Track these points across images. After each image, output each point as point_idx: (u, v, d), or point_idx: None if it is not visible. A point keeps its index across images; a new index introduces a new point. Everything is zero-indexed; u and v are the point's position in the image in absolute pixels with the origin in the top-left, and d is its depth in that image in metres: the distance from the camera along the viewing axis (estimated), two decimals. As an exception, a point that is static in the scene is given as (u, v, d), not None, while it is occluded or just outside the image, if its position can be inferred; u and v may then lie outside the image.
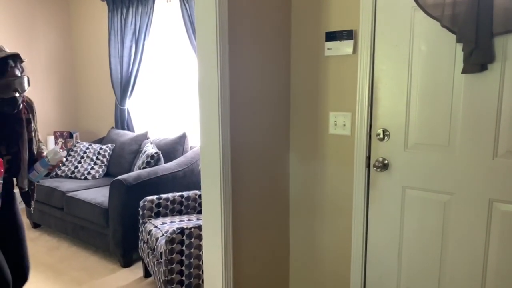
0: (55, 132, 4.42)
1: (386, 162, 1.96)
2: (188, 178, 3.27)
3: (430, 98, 1.82)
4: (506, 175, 1.68)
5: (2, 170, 1.71)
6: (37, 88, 4.53)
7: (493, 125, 1.69)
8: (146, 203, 2.78)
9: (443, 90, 1.79)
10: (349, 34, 1.96)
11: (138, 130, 4.23)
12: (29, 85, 1.84)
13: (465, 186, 1.78)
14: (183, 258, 2.38)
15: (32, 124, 1.97)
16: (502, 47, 1.64)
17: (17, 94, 1.75)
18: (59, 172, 3.86)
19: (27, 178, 1.95)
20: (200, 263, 2.44)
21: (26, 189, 1.99)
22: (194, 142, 3.71)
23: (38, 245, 3.46)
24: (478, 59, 1.65)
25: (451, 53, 1.74)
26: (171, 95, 3.92)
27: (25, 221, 3.99)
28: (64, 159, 1.88)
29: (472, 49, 1.64)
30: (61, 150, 1.84)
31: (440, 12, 1.71)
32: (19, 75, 1.79)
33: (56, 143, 1.83)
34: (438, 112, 1.81)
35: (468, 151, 1.76)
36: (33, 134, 1.96)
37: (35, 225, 3.86)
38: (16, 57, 1.77)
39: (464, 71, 1.69)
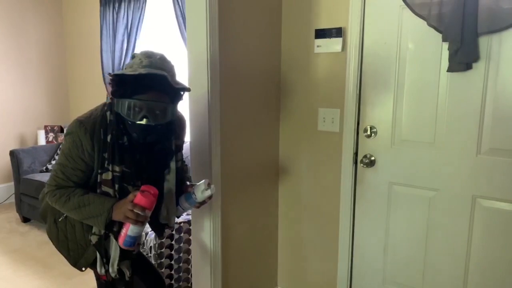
0: (45, 126, 4.40)
1: (373, 158, 1.99)
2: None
3: (417, 96, 1.85)
4: (489, 172, 1.72)
5: (155, 202, 1.39)
6: (27, 82, 4.50)
7: (476, 123, 1.72)
8: (136, 197, 2.79)
9: (429, 88, 1.82)
10: (338, 32, 1.99)
11: (130, 125, 4.22)
12: (172, 115, 1.41)
13: (450, 182, 1.82)
14: (173, 252, 2.40)
15: (181, 152, 1.63)
16: (486, 46, 1.67)
17: (147, 122, 1.34)
18: (49, 167, 3.85)
19: (175, 214, 1.60)
20: (190, 257, 2.46)
21: (173, 226, 1.68)
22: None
23: (28, 240, 3.46)
24: (463, 58, 1.68)
25: (437, 52, 1.77)
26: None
27: (14, 215, 3.98)
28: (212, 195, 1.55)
29: (458, 48, 1.67)
30: (209, 186, 1.53)
31: (427, 11, 1.74)
32: (165, 101, 1.37)
33: (200, 182, 1.43)
34: (424, 110, 1.84)
35: (452, 148, 1.79)
36: (181, 163, 1.62)
37: (25, 220, 3.85)
38: (162, 78, 1.32)
39: (450, 69, 1.72)
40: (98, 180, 1.43)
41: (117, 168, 1.42)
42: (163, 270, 2.38)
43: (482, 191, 1.75)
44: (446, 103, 1.78)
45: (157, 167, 1.52)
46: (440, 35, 1.73)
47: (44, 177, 3.57)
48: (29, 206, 3.70)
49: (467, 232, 1.81)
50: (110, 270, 1.53)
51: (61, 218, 1.53)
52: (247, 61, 2.01)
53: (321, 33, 2.04)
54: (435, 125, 1.82)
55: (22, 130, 4.52)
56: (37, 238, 3.50)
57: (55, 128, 4.41)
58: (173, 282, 2.43)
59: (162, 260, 2.37)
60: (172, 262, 2.41)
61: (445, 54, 1.74)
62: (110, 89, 1.40)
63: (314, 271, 2.29)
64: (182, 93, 1.44)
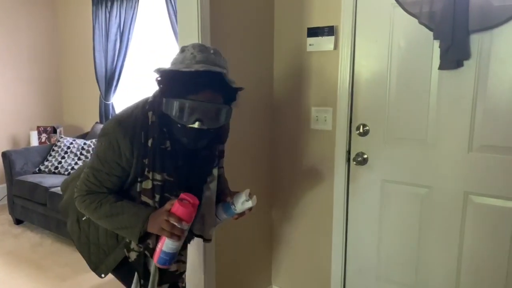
0: (38, 127, 4.37)
1: (365, 156, 2.00)
2: (173, 173, 3.27)
3: (408, 93, 1.86)
4: (481, 169, 1.73)
5: (194, 214, 1.21)
6: (20, 82, 4.46)
7: (468, 120, 1.73)
8: (130, 198, 2.78)
9: (421, 86, 1.82)
10: (330, 30, 1.99)
11: (123, 125, 4.20)
12: (227, 119, 1.25)
13: (442, 179, 1.83)
14: (167, 252, 2.39)
15: (223, 159, 1.48)
16: (477, 44, 1.67)
17: (200, 126, 1.18)
18: (42, 168, 3.83)
19: (213, 225, 1.43)
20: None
21: (211, 239, 1.47)
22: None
23: (21, 242, 3.43)
24: (454, 55, 1.69)
25: (428, 50, 1.78)
26: (156, 90, 3.89)
27: (7, 217, 3.95)
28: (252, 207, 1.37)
29: (449, 46, 1.68)
30: (250, 197, 1.36)
31: (418, 9, 1.74)
32: (219, 101, 1.22)
33: (241, 193, 1.37)
34: (415, 108, 1.85)
35: (444, 145, 1.80)
36: (222, 170, 1.49)
37: (18, 222, 3.82)
38: (219, 76, 1.18)
39: (441, 67, 1.73)
40: (138, 190, 1.27)
41: (158, 176, 1.25)
42: (157, 270, 2.36)
43: (474, 188, 1.76)
44: (437, 101, 1.79)
45: (200, 175, 1.36)
46: (431, 33, 1.73)
47: (37, 179, 3.55)
48: (22, 208, 3.67)
49: (459, 228, 1.82)
50: None
51: (84, 218, 1.41)
52: (239, 60, 2.01)
53: (313, 32, 2.04)
54: (427, 122, 1.83)
55: (14, 131, 4.48)
56: (30, 240, 3.47)
57: (48, 128, 4.38)
58: (167, 282, 2.42)
59: (156, 261, 2.35)
60: (167, 262, 2.39)
61: (437, 52, 1.74)
62: (157, 86, 1.24)
63: (308, 269, 2.30)
64: (236, 93, 1.26)
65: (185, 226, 1.19)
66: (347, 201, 2.09)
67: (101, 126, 4.13)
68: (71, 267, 2.98)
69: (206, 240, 1.44)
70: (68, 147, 3.91)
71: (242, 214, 1.40)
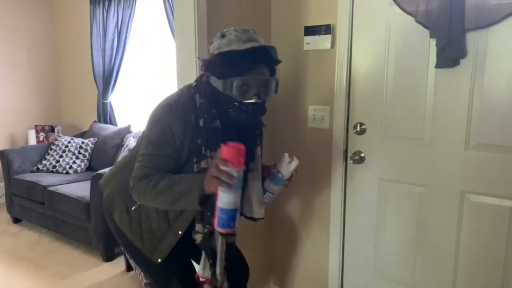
0: (36, 126, 4.37)
1: (362, 155, 2.00)
2: (171, 172, 3.27)
3: (405, 92, 1.86)
4: (477, 167, 1.74)
5: (241, 160, 1.18)
6: (17, 81, 4.45)
7: (464, 118, 1.74)
8: (127, 197, 2.78)
9: (417, 84, 1.82)
10: (327, 29, 1.99)
11: (121, 123, 4.20)
12: (276, 91, 1.34)
13: (438, 178, 1.83)
14: (165, 251, 2.39)
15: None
16: (474, 42, 1.68)
17: (256, 100, 1.26)
18: (40, 167, 3.82)
19: (263, 204, 1.48)
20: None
21: (263, 217, 1.52)
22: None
23: (19, 240, 3.43)
24: (450, 54, 1.69)
25: (425, 48, 1.78)
26: (154, 88, 3.90)
27: (5, 216, 3.95)
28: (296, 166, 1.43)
29: (445, 44, 1.68)
30: (290, 159, 1.41)
31: (414, 8, 1.75)
32: (267, 75, 1.32)
33: (283, 157, 1.46)
34: (412, 106, 1.85)
35: (441, 144, 1.81)
36: (262, 150, 1.53)
37: (16, 220, 3.82)
38: (273, 51, 1.31)
39: (437, 65, 1.73)
40: (195, 170, 1.31)
41: (214, 154, 1.28)
42: (155, 269, 2.37)
43: (471, 186, 1.76)
44: (434, 99, 1.79)
45: (248, 153, 1.35)
46: (428, 32, 1.73)
47: (35, 177, 3.55)
48: (20, 206, 3.67)
49: (456, 226, 1.82)
50: (218, 271, 1.40)
51: (134, 207, 1.44)
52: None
53: (310, 30, 2.04)
54: (423, 121, 1.83)
55: (12, 130, 4.47)
56: (29, 238, 3.47)
57: (46, 127, 4.37)
58: (165, 280, 2.42)
59: (154, 259, 2.36)
60: (164, 260, 2.40)
61: (433, 50, 1.75)
62: (204, 72, 1.31)
63: (306, 267, 2.30)
64: (275, 66, 1.36)
65: (234, 171, 1.16)
66: (345, 199, 2.10)
67: (99, 125, 4.13)
68: (69, 265, 2.98)
69: (259, 219, 1.50)
70: (66, 146, 3.91)
71: (290, 178, 1.46)
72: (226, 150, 1.16)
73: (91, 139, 3.96)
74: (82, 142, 3.93)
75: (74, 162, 3.83)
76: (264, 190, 1.50)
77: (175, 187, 1.26)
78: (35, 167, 3.84)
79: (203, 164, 1.31)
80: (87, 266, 2.98)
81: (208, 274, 1.41)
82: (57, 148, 3.91)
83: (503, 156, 1.67)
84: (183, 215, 1.42)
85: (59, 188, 3.30)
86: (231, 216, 1.20)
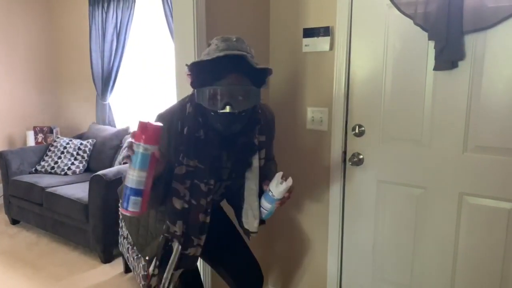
0: (34, 127, 4.36)
1: (361, 157, 2.00)
2: (169, 174, 3.26)
3: (403, 94, 1.86)
4: (475, 169, 1.74)
5: (143, 135, 1.13)
6: (16, 82, 4.45)
7: (463, 120, 1.74)
8: (126, 198, 2.77)
9: (415, 87, 1.83)
10: (326, 31, 1.99)
11: (120, 125, 4.20)
12: (256, 100, 1.30)
13: (437, 180, 1.83)
14: (163, 252, 2.39)
15: (265, 150, 1.48)
16: (472, 45, 1.68)
17: (230, 110, 1.23)
18: (38, 168, 3.82)
19: (257, 217, 1.45)
20: (180, 257, 2.45)
21: (256, 231, 1.48)
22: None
23: (17, 241, 3.42)
24: (448, 56, 1.69)
25: (423, 50, 1.79)
26: (153, 90, 3.90)
27: (3, 217, 3.94)
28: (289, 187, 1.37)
29: (443, 46, 1.68)
30: (283, 179, 1.36)
31: (413, 10, 1.75)
32: (241, 84, 1.26)
33: (274, 177, 1.38)
34: (410, 108, 1.85)
35: (439, 146, 1.81)
36: (264, 162, 1.48)
37: (14, 221, 3.81)
38: (241, 59, 1.24)
39: (436, 68, 1.73)
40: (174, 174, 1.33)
41: (191, 163, 1.32)
42: (153, 270, 2.37)
43: (469, 189, 1.77)
44: (432, 102, 1.80)
45: (238, 164, 1.40)
46: (426, 34, 1.74)
47: (33, 178, 3.54)
48: (18, 207, 3.66)
49: (454, 229, 1.82)
50: (165, 275, 1.40)
51: None
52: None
53: (309, 32, 2.04)
54: (422, 123, 1.84)
55: (11, 131, 4.47)
56: (26, 239, 3.46)
57: (44, 128, 4.37)
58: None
59: (152, 261, 2.35)
60: (162, 262, 2.39)
61: (431, 52, 1.75)
62: (189, 80, 1.29)
63: (304, 269, 2.30)
64: (266, 77, 1.32)
65: (136, 144, 1.13)
66: (343, 201, 2.10)
67: (97, 126, 4.13)
68: (66, 267, 2.97)
69: (251, 233, 1.47)
70: (65, 147, 3.90)
71: (283, 199, 1.39)
72: (138, 125, 1.13)
73: (90, 140, 3.95)
74: (81, 144, 3.93)
75: (72, 164, 3.82)
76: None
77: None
78: (33, 168, 3.84)
79: (178, 170, 1.31)
80: (85, 267, 2.98)
81: (151, 270, 1.41)
82: (56, 150, 3.91)
83: (501, 158, 1.68)
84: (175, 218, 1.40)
85: (57, 190, 3.29)
86: (126, 194, 1.15)
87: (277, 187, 1.36)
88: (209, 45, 1.31)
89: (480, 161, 1.72)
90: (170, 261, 1.39)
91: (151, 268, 1.43)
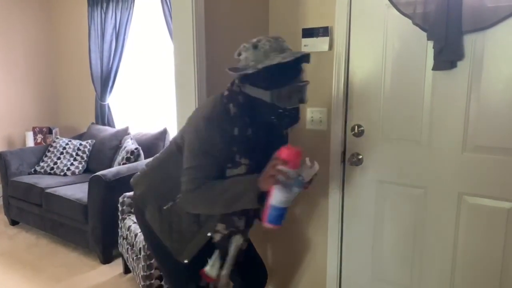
0: (34, 128, 4.36)
1: (360, 157, 2.00)
2: (169, 174, 3.26)
3: (403, 94, 1.86)
4: (475, 169, 1.74)
5: (298, 162, 1.29)
6: (15, 82, 4.44)
7: (462, 120, 1.74)
8: (125, 199, 2.77)
9: (414, 87, 1.83)
10: (325, 31, 1.99)
11: (119, 125, 4.19)
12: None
13: (436, 180, 1.83)
14: (162, 253, 2.39)
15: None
16: (471, 45, 1.68)
17: (298, 105, 1.38)
18: (37, 168, 3.81)
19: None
20: (179, 258, 2.45)
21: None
22: (175, 137, 3.69)
23: (17, 242, 3.42)
24: (447, 56, 1.69)
25: (422, 50, 1.79)
26: (153, 90, 3.90)
27: (2, 218, 3.93)
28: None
29: (442, 46, 1.68)
30: (310, 163, 1.41)
31: (412, 10, 1.75)
32: (305, 80, 1.40)
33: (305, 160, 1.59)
34: (410, 108, 1.85)
35: (438, 146, 1.81)
36: None
37: (13, 222, 3.80)
38: (307, 58, 1.36)
39: (435, 68, 1.74)
40: (227, 175, 1.38)
41: (246, 161, 1.39)
42: (152, 271, 2.36)
43: (468, 188, 1.77)
44: (431, 102, 1.80)
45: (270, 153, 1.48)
46: (425, 34, 1.74)
47: (33, 179, 3.54)
48: (17, 208, 3.66)
49: (454, 228, 1.82)
50: (224, 272, 1.48)
51: (166, 206, 1.49)
52: (234, 61, 2.00)
53: (308, 32, 2.04)
54: (421, 123, 1.84)
55: (10, 132, 4.46)
56: (26, 240, 3.46)
57: (43, 129, 4.37)
58: (163, 283, 2.42)
59: (152, 261, 2.35)
60: (162, 263, 2.40)
61: (430, 52, 1.75)
62: (241, 83, 1.37)
63: (304, 269, 2.30)
64: None
65: (292, 172, 1.24)
66: (343, 201, 2.10)
67: (97, 126, 4.12)
68: (66, 268, 2.97)
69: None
70: (64, 148, 3.90)
71: (309, 182, 1.43)
72: (287, 152, 1.26)
73: (89, 141, 3.95)
74: (80, 144, 3.92)
75: (72, 164, 3.82)
76: None
77: (229, 191, 1.34)
78: (32, 169, 3.83)
79: (238, 170, 1.38)
80: (85, 268, 2.97)
81: (214, 272, 1.46)
82: (55, 150, 3.90)
83: (500, 158, 1.68)
84: (214, 217, 1.47)
85: (56, 190, 3.29)
86: (281, 214, 1.28)
87: (308, 170, 1.39)
88: (255, 46, 1.34)
89: (479, 161, 1.72)
90: (230, 259, 1.48)
91: (209, 269, 1.47)
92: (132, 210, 2.80)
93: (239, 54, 1.40)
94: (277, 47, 1.33)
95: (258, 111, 1.37)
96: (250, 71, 1.32)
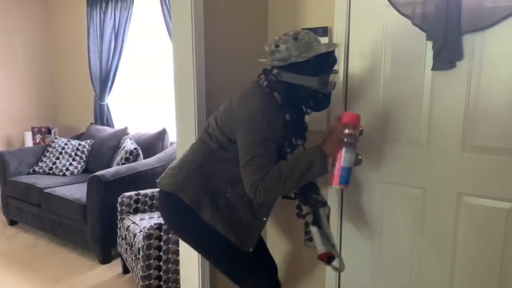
0: (32, 128, 4.35)
1: (360, 157, 2.00)
2: (168, 174, 3.26)
3: (402, 94, 1.86)
4: (474, 169, 1.74)
5: (358, 122, 1.43)
6: (13, 82, 4.44)
7: (461, 121, 1.74)
8: (124, 199, 2.77)
9: (414, 87, 1.83)
10: (324, 31, 1.99)
11: (118, 125, 4.19)
12: None
13: (435, 180, 1.83)
14: (161, 253, 2.39)
15: None
16: (470, 45, 1.68)
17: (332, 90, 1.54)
18: (36, 169, 3.81)
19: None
20: (178, 258, 2.45)
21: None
22: (174, 137, 3.69)
23: (15, 243, 3.41)
24: (447, 56, 1.69)
25: (421, 51, 1.78)
26: (152, 90, 3.89)
27: (1, 218, 3.93)
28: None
29: (441, 46, 1.68)
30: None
31: (411, 10, 1.75)
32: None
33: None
34: (409, 108, 1.85)
35: (437, 146, 1.81)
36: None
37: (12, 222, 3.80)
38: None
39: (434, 68, 1.73)
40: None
41: (302, 142, 1.54)
42: (151, 271, 2.36)
43: (467, 189, 1.77)
44: (430, 102, 1.80)
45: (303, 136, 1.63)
46: (424, 34, 1.74)
47: (32, 179, 3.53)
48: (16, 208, 3.65)
49: (453, 229, 1.82)
50: (334, 241, 1.64)
51: (221, 202, 1.53)
52: (233, 61, 2.01)
53: (307, 33, 2.04)
54: (420, 123, 1.83)
55: (9, 132, 4.46)
56: (25, 241, 3.45)
57: (42, 129, 4.36)
58: (162, 283, 2.42)
59: (151, 261, 2.35)
60: (161, 263, 2.39)
61: (430, 52, 1.75)
62: (282, 72, 1.48)
63: (303, 269, 2.30)
64: None
65: (356, 133, 1.40)
66: (342, 201, 2.10)
67: (96, 127, 4.12)
68: (65, 268, 2.97)
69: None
70: (63, 148, 3.90)
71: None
72: (349, 115, 1.41)
73: (88, 141, 3.95)
74: (79, 144, 3.92)
75: (70, 164, 3.82)
76: None
77: (298, 166, 1.41)
78: (31, 169, 3.83)
79: (297, 150, 1.51)
80: (84, 268, 2.97)
81: (330, 248, 1.58)
82: (54, 150, 3.90)
83: (499, 158, 1.68)
84: (265, 204, 1.59)
85: (55, 190, 3.29)
86: (350, 174, 1.43)
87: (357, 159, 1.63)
88: (295, 38, 1.45)
89: (478, 161, 1.72)
90: (326, 227, 1.63)
91: (319, 247, 1.57)
92: (131, 210, 2.79)
93: (277, 46, 1.48)
94: (315, 38, 1.48)
95: (298, 97, 1.50)
96: (301, 59, 1.43)
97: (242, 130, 1.45)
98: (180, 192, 1.55)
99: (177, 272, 2.46)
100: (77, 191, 3.22)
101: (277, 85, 1.47)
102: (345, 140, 1.39)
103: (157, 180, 1.64)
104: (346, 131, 1.39)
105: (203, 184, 1.54)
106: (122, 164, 3.26)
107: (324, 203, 1.68)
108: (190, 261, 1.97)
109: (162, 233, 2.37)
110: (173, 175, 1.58)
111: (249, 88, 1.50)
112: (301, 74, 1.46)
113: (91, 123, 4.24)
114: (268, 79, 1.49)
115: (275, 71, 1.50)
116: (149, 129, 3.83)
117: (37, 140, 4.35)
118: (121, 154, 3.37)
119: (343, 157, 1.41)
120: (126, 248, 2.62)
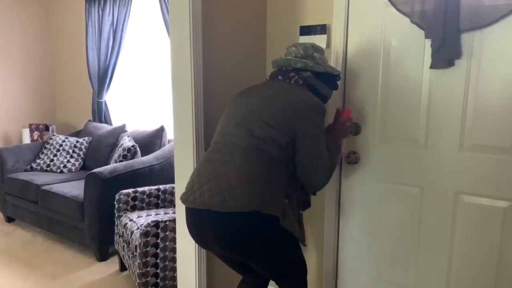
0: (30, 125, 4.34)
1: (357, 155, 2.00)
2: (166, 172, 3.26)
3: (400, 92, 1.86)
4: (471, 168, 1.74)
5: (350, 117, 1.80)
6: (11, 79, 4.42)
7: (459, 119, 1.74)
8: (122, 196, 2.77)
9: (412, 85, 1.83)
10: (322, 29, 1.99)
11: (116, 123, 4.18)
12: None
13: (433, 179, 1.83)
14: (158, 251, 2.38)
15: None
16: (468, 43, 1.68)
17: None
18: (34, 165, 3.80)
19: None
20: (175, 255, 2.44)
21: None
22: (172, 135, 3.68)
23: (12, 240, 3.40)
24: (445, 55, 1.69)
25: (420, 49, 1.78)
26: (150, 87, 3.88)
27: (-2, 215, 3.92)
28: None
29: (440, 45, 1.68)
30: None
31: (410, 8, 1.75)
32: None
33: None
34: (407, 107, 1.85)
35: (435, 145, 1.81)
36: None
37: (9, 219, 3.79)
38: None
39: (432, 66, 1.73)
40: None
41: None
42: (148, 268, 2.36)
43: (465, 187, 1.77)
44: (429, 100, 1.80)
45: None
46: (423, 32, 1.74)
47: (29, 176, 3.52)
48: (13, 205, 3.64)
49: (450, 227, 1.82)
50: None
51: (287, 200, 1.55)
52: (231, 59, 2.00)
53: (305, 30, 2.03)
54: (418, 122, 1.83)
55: (6, 129, 4.44)
56: (22, 238, 3.45)
57: (40, 126, 4.35)
58: (159, 280, 2.41)
59: (148, 259, 2.35)
60: (158, 260, 2.39)
61: (428, 51, 1.75)
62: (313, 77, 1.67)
63: (300, 268, 2.29)
64: None
65: (352, 122, 1.85)
66: (339, 200, 2.10)
67: (94, 124, 4.11)
68: (62, 265, 2.96)
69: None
70: (61, 145, 3.89)
71: None
72: (347, 111, 1.77)
73: (86, 138, 3.94)
74: (77, 141, 3.91)
75: (68, 161, 3.81)
76: None
77: (333, 152, 1.65)
78: (29, 166, 3.82)
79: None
80: (81, 265, 2.97)
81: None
82: (51, 147, 3.89)
83: (497, 157, 1.68)
84: (299, 198, 1.72)
85: (53, 187, 3.28)
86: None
87: None
88: (316, 50, 1.69)
89: (476, 159, 1.72)
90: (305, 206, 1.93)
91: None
92: (129, 208, 2.79)
93: (312, 52, 1.67)
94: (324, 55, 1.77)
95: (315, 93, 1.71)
96: (335, 72, 1.70)
97: (307, 130, 1.52)
98: (263, 208, 1.43)
99: (174, 269, 2.46)
100: (75, 188, 3.21)
101: (307, 84, 1.64)
102: (350, 129, 1.77)
103: (211, 204, 1.44)
104: (348, 124, 1.75)
105: (269, 187, 1.46)
106: (120, 161, 3.25)
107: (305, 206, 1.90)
108: (187, 258, 1.97)
109: (159, 231, 2.37)
110: (245, 194, 1.43)
111: (295, 88, 1.60)
112: (326, 84, 1.69)
113: (89, 120, 4.23)
114: (301, 81, 1.63)
115: (306, 73, 1.64)
116: (147, 126, 3.83)
117: (35, 137, 4.33)
118: (118, 152, 3.36)
119: (343, 144, 1.84)
120: (124, 246, 2.62)
